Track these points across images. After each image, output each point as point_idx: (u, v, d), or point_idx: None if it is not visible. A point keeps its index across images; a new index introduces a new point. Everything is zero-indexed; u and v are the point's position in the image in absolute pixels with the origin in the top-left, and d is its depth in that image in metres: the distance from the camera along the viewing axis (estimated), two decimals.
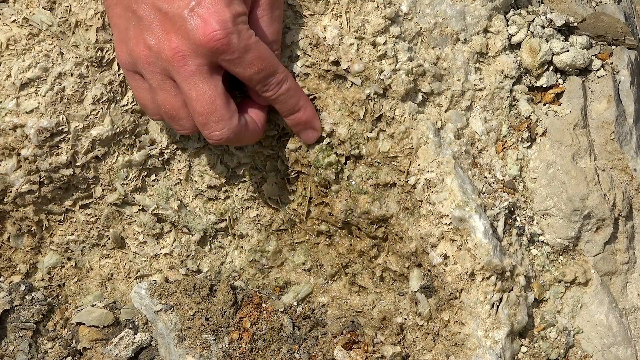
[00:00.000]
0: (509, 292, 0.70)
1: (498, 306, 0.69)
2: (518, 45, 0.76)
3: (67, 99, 0.67)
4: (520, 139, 0.75)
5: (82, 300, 0.75)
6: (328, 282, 0.76)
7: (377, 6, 0.68)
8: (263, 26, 0.62)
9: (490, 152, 0.74)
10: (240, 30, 0.58)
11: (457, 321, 0.69)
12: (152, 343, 0.73)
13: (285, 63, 0.68)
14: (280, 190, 0.74)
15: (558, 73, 0.77)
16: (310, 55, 0.68)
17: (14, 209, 0.71)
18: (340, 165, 0.70)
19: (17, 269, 0.73)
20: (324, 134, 0.69)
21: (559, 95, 0.77)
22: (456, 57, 0.73)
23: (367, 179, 0.70)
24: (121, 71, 0.68)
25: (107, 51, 0.68)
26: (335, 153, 0.69)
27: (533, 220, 0.75)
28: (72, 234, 0.73)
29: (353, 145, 0.69)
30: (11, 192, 0.69)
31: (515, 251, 0.72)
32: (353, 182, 0.70)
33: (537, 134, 0.76)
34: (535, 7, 0.78)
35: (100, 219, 0.73)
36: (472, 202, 0.69)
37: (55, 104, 0.67)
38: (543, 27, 0.76)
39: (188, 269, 0.75)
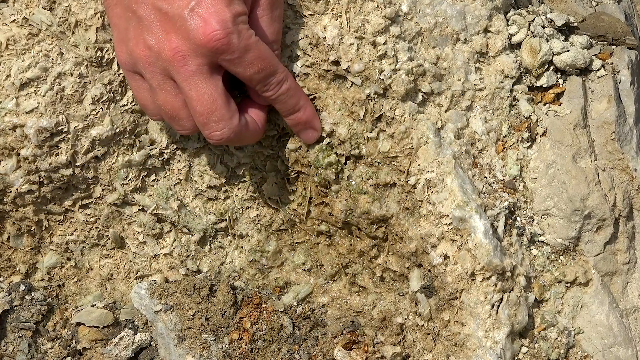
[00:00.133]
0: (510, 292, 0.69)
1: (498, 306, 0.69)
2: (518, 45, 0.76)
3: (67, 99, 0.67)
4: (520, 139, 0.75)
5: (81, 300, 0.75)
6: (328, 282, 0.76)
7: (377, 6, 0.68)
8: (263, 26, 0.62)
9: (490, 152, 0.74)
10: (240, 30, 0.58)
11: (457, 321, 0.69)
12: (151, 343, 0.73)
13: (285, 63, 0.68)
14: (280, 190, 0.74)
15: (558, 73, 0.77)
16: (310, 55, 0.68)
17: (14, 209, 0.71)
18: (340, 165, 0.70)
19: (17, 269, 0.73)
20: (324, 134, 0.69)
21: (559, 95, 0.77)
22: (456, 57, 0.73)
23: (367, 179, 0.69)
24: (121, 71, 0.68)
25: (106, 51, 0.68)
26: (335, 153, 0.69)
27: (533, 220, 0.75)
28: (72, 234, 0.73)
29: (353, 145, 0.69)
30: (11, 192, 0.69)
31: (516, 251, 0.72)
32: (353, 182, 0.70)
33: (537, 134, 0.76)
34: (536, 6, 0.78)
35: (100, 219, 0.73)
36: (472, 202, 0.68)
37: (54, 104, 0.67)
38: (543, 27, 0.76)
39: (188, 269, 0.75)
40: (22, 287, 0.72)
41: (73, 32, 0.67)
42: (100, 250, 0.75)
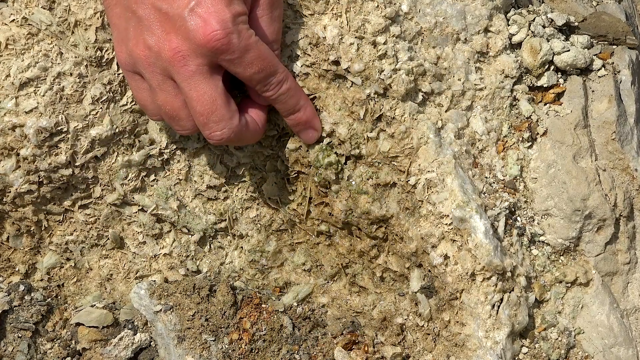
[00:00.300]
0: (510, 292, 0.69)
1: (499, 307, 0.69)
2: (519, 44, 0.76)
3: (67, 99, 0.67)
4: (521, 138, 0.75)
5: (81, 300, 0.75)
6: (328, 282, 0.76)
7: (378, 5, 0.68)
8: (263, 26, 0.62)
9: (490, 152, 0.74)
10: (240, 30, 0.58)
11: (457, 322, 0.69)
12: (151, 344, 0.73)
13: (285, 63, 0.68)
14: (280, 190, 0.74)
15: (559, 73, 0.77)
16: (310, 55, 0.68)
17: (13, 209, 0.70)
18: (340, 165, 0.70)
19: (16, 269, 0.73)
20: (324, 134, 0.69)
21: (559, 95, 0.76)
22: (457, 57, 0.72)
23: (367, 179, 0.69)
24: (120, 71, 0.68)
25: (106, 51, 0.68)
26: (335, 153, 0.69)
27: (534, 220, 0.74)
28: (72, 234, 0.73)
29: (353, 145, 0.69)
30: (10, 192, 0.69)
31: (516, 251, 0.72)
32: (353, 182, 0.70)
33: (537, 133, 0.75)
34: (536, 6, 0.78)
35: (99, 219, 0.73)
36: (472, 202, 0.68)
37: (54, 104, 0.67)
38: (544, 27, 0.76)
39: (187, 269, 0.75)
40: (22, 288, 0.72)
41: (73, 32, 0.67)
42: (100, 251, 0.74)
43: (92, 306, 0.73)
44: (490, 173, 0.73)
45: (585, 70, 0.77)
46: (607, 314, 0.74)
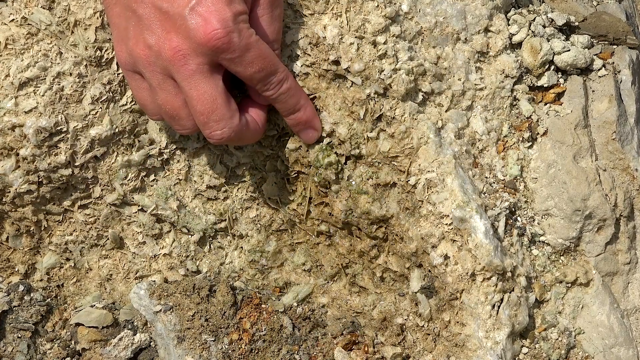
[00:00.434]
0: (510, 292, 0.69)
1: (499, 307, 0.68)
2: (519, 44, 0.76)
3: (66, 99, 0.67)
4: (521, 138, 0.75)
5: (81, 300, 0.74)
6: (328, 282, 0.76)
7: (378, 5, 0.68)
8: (263, 25, 0.62)
9: (491, 152, 0.74)
10: (241, 29, 0.58)
11: (457, 322, 0.69)
12: (151, 344, 0.73)
13: (285, 62, 0.68)
14: (280, 190, 0.74)
15: (559, 72, 0.77)
16: (310, 55, 0.68)
17: (13, 209, 0.70)
18: (340, 165, 0.69)
19: (16, 269, 0.73)
20: (324, 134, 0.69)
21: (560, 95, 0.76)
22: (457, 57, 0.72)
23: (367, 179, 0.69)
24: (120, 71, 0.68)
25: (106, 50, 0.68)
26: (335, 153, 0.69)
27: (534, 220, 0.74)
28: (71, 234, 0.73)
29: (353, 145, 0.68)
30: (10, 192, 0.69)
31: (516, 251, 0.72)
32: (353, 182, 0.70)
33: (538, 133, 0.75)
34: (536, 6, 0.78)
35: (99, 219, 0.73)
36: (472, 202, 0.68)
37: (54, 104, 0.67)
38: (544, 27, 0.76)
39: (187, 269, 0.75)
40: (21, 288, 0.72)
41: (72, 32, 0.67)
42: (100, 251, 0.74)
43: (91, 306, 0.73)
44: (490, 173, 0.73)
45: (585, 70, 0.77)
46: (608, 314, 0.74)
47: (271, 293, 0.76)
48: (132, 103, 0.69)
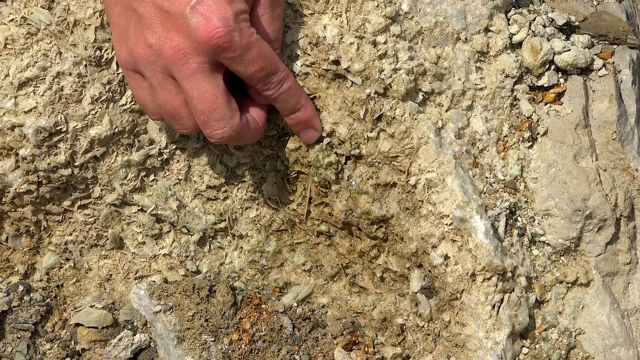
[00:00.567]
0: (510, 292, 0.69)
1: (499, 307, 0.68)
2: (519, 44, 0.75)
3: (66, 99, 0.67)
4: (521, 138, 0.75)
5: (80, 301, 0.74)
6: (328, 282, 0.76)
7: (378, 5, 0.68)
8: (264, 24, 0.62)
9: (491, 152, 0.74)
10: (242, 28, 0.58)
11: (457, 322, 0.69)
12: (151, 344, 0.73)
13: (285, 62, 0.68)
14: (280, 190, 0.74)
15: (559, 72, 0.77)
16: (310, 55, 0.68)
17: (12, 209, 0.70)
18: (340, 165, 0.69)
19: (16, 269, 0.73)
20: (324, 134, 0.69)
21: (560, 95, 0.76)
22: (457, 57, 0.72)
23: (368, 179, 0.69)
24: (120, 70, 0.68)
25: (105, 50, 0.68)
26: (336, 153, 0.69)
27: (534, 220, 0.74)
28: (71, 234, 0.73)
29: (353, 145, 0.68)
30: (9, 192, 0.68)
31: (517, 252, 0.71)
32: (353, 182, 0.69)
33: (538, 133, 0.75)
34: (537, 6, 0.78)
35: (99, 219, 0.73)
36: (473, 202, 0.68)
37: (53, 104, 0.67)
38: (544, 26, 0.76)
39: (187, 269, 0.75)
40: (21, 288, 0.72)
41: (72, 32, 0.67)
42: (99, 251, 0.74)
43: (91, 306, 0.73)
44: (490, 173, 0.73)
45: (585, 70, 0.77)
46: (608, 315, 0.74)
47: (271, 293, 0.76)
48: (132, 103, 0.69)
